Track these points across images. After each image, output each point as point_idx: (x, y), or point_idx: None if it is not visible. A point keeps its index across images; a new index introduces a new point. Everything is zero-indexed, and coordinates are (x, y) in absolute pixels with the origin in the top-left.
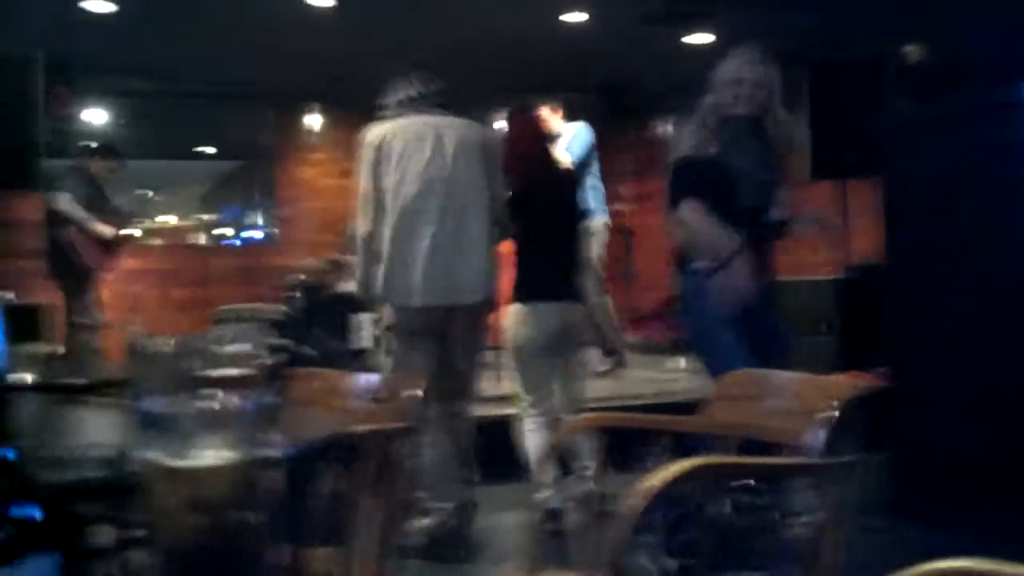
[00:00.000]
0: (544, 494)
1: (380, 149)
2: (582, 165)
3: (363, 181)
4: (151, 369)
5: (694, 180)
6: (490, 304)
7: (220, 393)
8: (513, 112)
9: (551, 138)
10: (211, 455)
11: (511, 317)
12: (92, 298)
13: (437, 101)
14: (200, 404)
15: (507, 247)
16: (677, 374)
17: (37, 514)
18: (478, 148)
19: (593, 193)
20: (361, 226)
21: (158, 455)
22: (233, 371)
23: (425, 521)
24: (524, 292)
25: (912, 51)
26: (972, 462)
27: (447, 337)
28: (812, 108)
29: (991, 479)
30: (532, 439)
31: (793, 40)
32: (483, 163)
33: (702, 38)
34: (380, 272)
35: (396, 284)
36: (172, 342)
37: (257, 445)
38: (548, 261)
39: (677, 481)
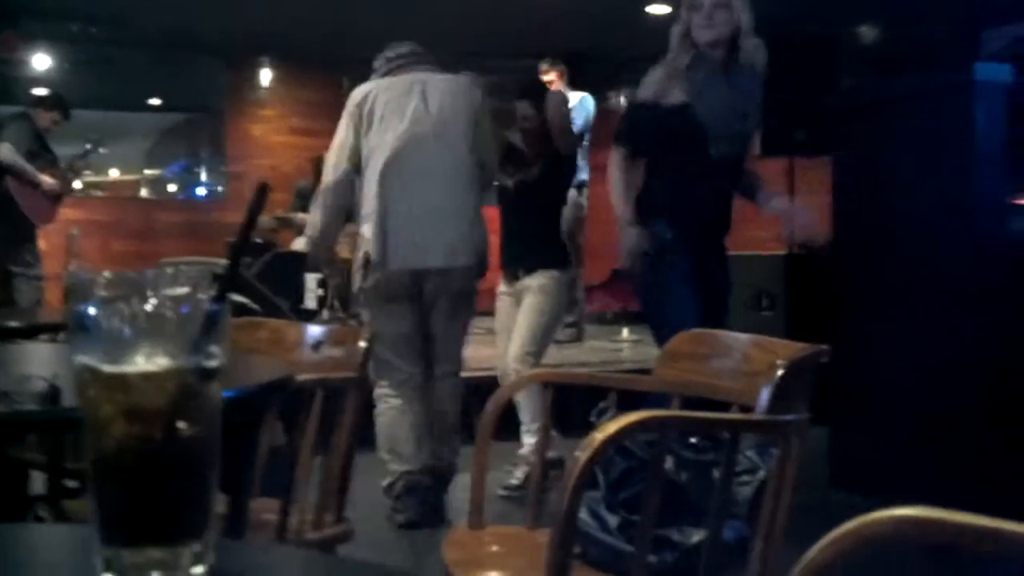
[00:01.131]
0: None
1: (362, 106)
2: (579, 137)
3: (340, 133)
4: (87, 293)
5: (627, 127)
6: (476, 268)
7: (158, 298)
8: (547, 91)
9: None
10: (146, 361)
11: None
12: (30, 249)
13: (426, 58)
14: (137, 308)
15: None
16: (624, 343)
17: None
18: (465, 104)
19: (581, 164)
20: (328, 175)
21: (91, 361)
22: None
23: (386, 481)
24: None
25: (865, 31)
26: (912, 434)
27: (425, 301)
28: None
29: (931, 450)
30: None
31: (753, 13)
32: (470, 120)
33: (662, 8)
34: (366, 231)
35: (374, 246)
36: (107, 275)
37: (197, 353)
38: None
39: (627, 432)
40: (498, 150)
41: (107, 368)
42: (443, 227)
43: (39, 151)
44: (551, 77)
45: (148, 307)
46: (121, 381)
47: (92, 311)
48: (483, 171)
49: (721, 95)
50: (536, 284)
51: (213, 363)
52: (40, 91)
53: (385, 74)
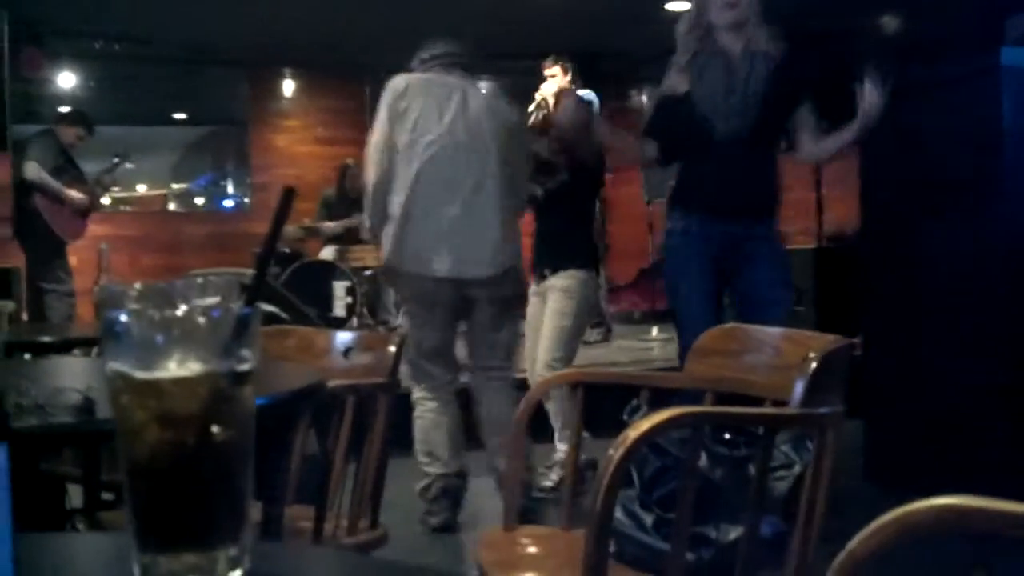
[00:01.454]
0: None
1: (400, 99)
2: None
3: (378, 130)
4: (118, 304)
5: (644, 126)
6: (513, 276)
7: (189, 304)
8: (574, 97)
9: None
10: (179, 367)
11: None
12: (61, 265)
13: (461, 61)
14: (168, 313)
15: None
16: (652, 343)
17: None
18: (501, 122)
19: None
20: (371, 176)
21: (124, 367)
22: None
23: (421, 484)
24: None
25: (887, 21)
26: (946, 426)
27: (466, 310)
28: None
29: (965, 442)
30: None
31: (767, 6)
32: (504, 138)
33: (681, 5)
34: (391, 233)
35: (408, 251)
36: (138, 286)
37: (228, 357)
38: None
39: (662, 428)
40: (530, 169)
41: (139, 374)
42: (476, 237)
43: (65, 166)
44: (554, 72)
45: (179, 312)
46: (154, 387)
47: (124, 318)
48: (514, 188)
49: (720, 74)
50: (560, 284)
51: (245, 367)
52: (64, 108)
53: (425, 70)
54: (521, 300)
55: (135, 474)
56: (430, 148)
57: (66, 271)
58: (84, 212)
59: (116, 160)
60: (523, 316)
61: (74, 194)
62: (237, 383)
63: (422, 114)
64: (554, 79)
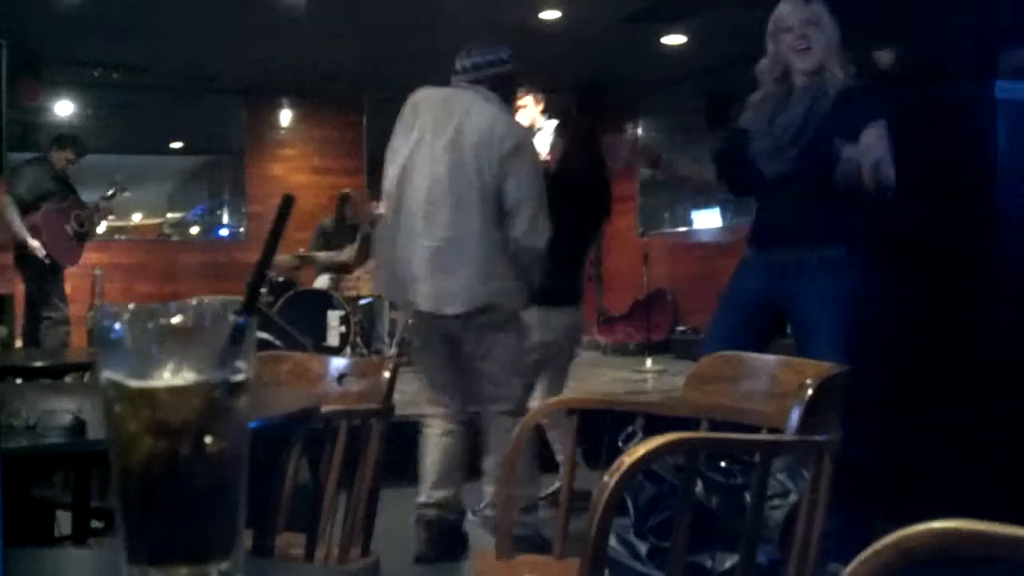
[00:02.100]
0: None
1: (410, 115)
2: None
3: (394, 140)
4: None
5: (715, 160)
6: (494, 311)
7: (183, 312)
8: (569, 119)
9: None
10: (173, 376)
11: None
12: (57, 292)
13: (480, 76)
14: (163, 322)
15: None
16: (647, 374)
17: None
18: (505, 143)
19: None
20: (387, 185)
21: (117, 376)
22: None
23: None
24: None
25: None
26: (943, 454)
27: (455, 342)
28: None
29: (966, 473)
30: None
31: (761, 33)
32: (508, 161)
33: (676, 39)
34: (379, 257)
35: (394, 282)
36: (132, 307)
37: (223, 367)
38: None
39: (656, 454)
40: (538, 194)
41: (133, 383)
42: (451, 273)
43: (56, 192)
44: (525, 102)
45: (174, 321)
46: (147, 396)
47: (118, 326)
48: (519, 219)
49: (772, 107)
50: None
51: (240, 377)
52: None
53: (454, 82)
54: (509, 328)
55: (127, 485)
56: (418, 176)
57: (62, 298)
58: (80, 237)
59: (114, 189)
60: (512, 350)
61: (32, 242)
62: (232, 393)
63: (419, 137)
64: (525, 110)
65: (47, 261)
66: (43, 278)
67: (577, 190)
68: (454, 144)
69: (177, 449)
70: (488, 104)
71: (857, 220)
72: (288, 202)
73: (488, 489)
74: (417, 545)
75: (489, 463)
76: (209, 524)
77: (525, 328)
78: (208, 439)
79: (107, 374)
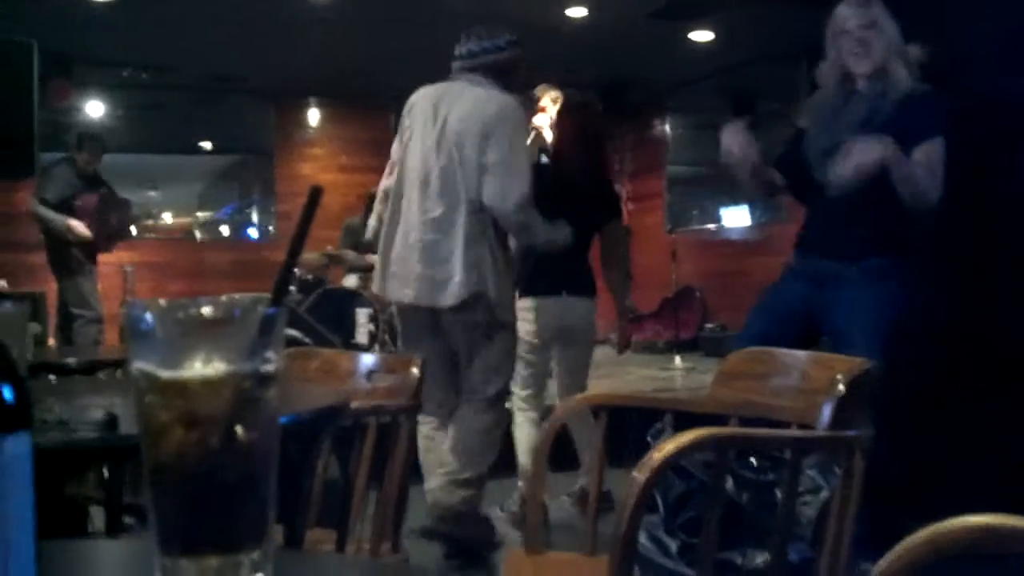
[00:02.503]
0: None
1: (405, 117)
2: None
3: (394, 144)
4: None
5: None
6: (484, 302)
7: (214, 306)
8: (570, 107)
9: (601, 137)
10: (204, 366)
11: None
12: (89, 290)
13: (475, 63)
14: (193, 312)
15: None
16: (675, 372)
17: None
18: (490, 119)
19: None
20: (381, 184)
21: (148, 367)
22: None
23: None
24: (524, 286)
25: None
26: (975, 457)
27: (440, 335)
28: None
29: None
30: (520, 433)
31: (796, 39)
32: (493, 145)
33: (704, 36)
34: (377, 258)
35: (381, 274)
36: (163, 302)
37: (254, 357)
38: (564, 255)
39: (687, 450)
40: (522, 170)
41: (164, 373)
42: (440, 265)
43: (86, 189)
44: (545, 104)
45: (205, 311)
46: (179, 386)
47: (149, 317)
48: (498, 191)
49: (830, 109)
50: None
51: (270, 368)
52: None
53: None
54: (491, 327)
55: (158, 476)
56: (410, 175)
57: (95, 296)
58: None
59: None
60: (502, 344)
61: (74, 223)
62: (262, 384)
63: (412, 135)
64: (545, 112)
65: (90, 242)
66: (76, 276)
67: (570, 186)
68: (440, 137)
69: (208, 439)
70: (476, 88)
71: (904, 231)
72: (316, 193)
73: (432, 484)
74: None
75: (454, 450)
76: (240, 514)
77: (515, 327)
78: (239, 429)
79: (138, 365)
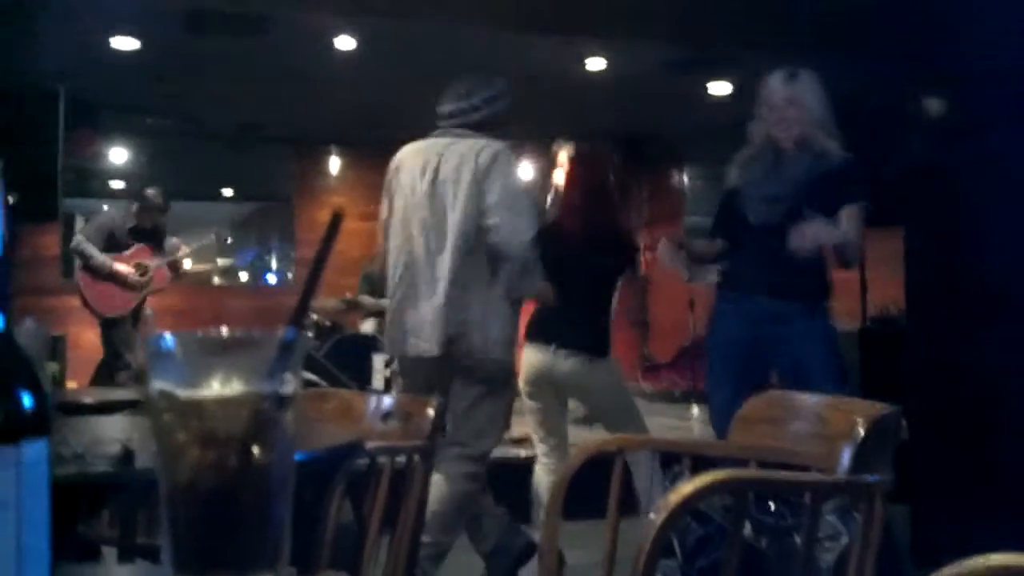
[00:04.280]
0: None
1: (392, 175)
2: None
3: (381, 208)
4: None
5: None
6: (469, 344)
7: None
8: (578, 158)
9: (611, 188)
10: (222, 387)
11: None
12: (120, 339)
13: (463, 121)
14: (213, 333)
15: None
16: (692, 422)
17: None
18: (487, 173)
19: None
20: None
21: (167, 386)
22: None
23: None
24: (529, 332)
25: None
26: (993, 509)
27: (433, 386)
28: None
29: (1013, 526)
30: (539, 479)
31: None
32: (490, 190)
33: (722, 88)
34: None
35: (386, 327)
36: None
37: (272, 379)
38: (567, 308)
39: (705, 493)
40: (525, 209)
41: (183, 393)
42: (427, 309)
43: (124, 242)
44: (563, 159)
45: (224, 332)
46: (196, 406)
47: (169, 337)
48: (486, 220)
49: (764, 166)
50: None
51: (288, 390)
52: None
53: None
54: (484, 383)
55: (174, 497)
56: (399, 222)
57: (125, 343)
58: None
59: (213, 237)
60: (495, 402)
61: (120, 267)
62: (280, 406)
63: (400, 192)
64: (562, 167)
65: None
66: (113, 325)
67: (577, 239)
68: (431, 190)
69: (224, 460)
70: (464, 140)
71: (829, 276)
72: (338, 218)
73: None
74: None
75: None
76: (255, 536)
77: (513, 385)
78: (256, 451)
79: (157, 385)
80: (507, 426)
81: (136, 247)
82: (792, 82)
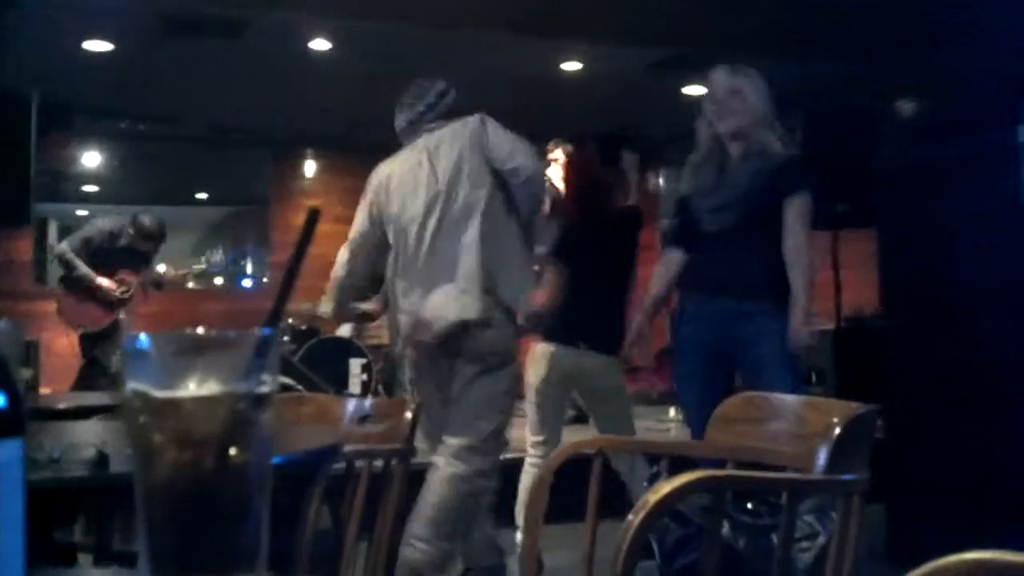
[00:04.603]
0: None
1: (380, 192)
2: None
3: (357, 220)
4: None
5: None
6: (480, 329)
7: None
8: (575, 150)
9: (610, 176)
10: (198, 386)
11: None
12: (101, 350)
13: (433, 116)
14: (188, 333)
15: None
16: (671, 423)
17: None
18: (476, 146)
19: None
20: (337, 270)
21: (142, 386)
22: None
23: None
24: (546, 330)
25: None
26: (968, 507)
27: (438, 372)
28: (805, 157)
29: (992, 528)
30: (525, 479)
31: (788, 89)
32: (488, 144)
33: (699, 90)
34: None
35: (392, 318)
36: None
37: (248, 378)
38: (583, 304)
39: (683, 492)
40: (531, 150)
41: (159, 393)
42: (435, 289)
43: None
44: (556, 156)
45: (200, 332)
46: (173, 406)
47: (144, 338)
48: (521, 187)
49: (711, 173)
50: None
51: (265, 389)
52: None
53: (404, 145)
54: (494, 361)
55: (150, 498)
56: (408, 218)
57: (103, 352)
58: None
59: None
60: (503, 384)
61: (103, 281)
62: (257, 405)
63: (399, 195)
64: (557, 163)
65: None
66: (93, 336)
67: (588, 226)
68: (436, 172)
69: (201, 461)
70: (440, 129)
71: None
72: (314, 214)
73: (418, 544)
74: None
75: (417, 517)
76: (233, 538)
77: (517, 373)
78: (233, 451)
79: (132, 385)
80: (510, 411)
81: (122, 273)
82: (735, 74)
